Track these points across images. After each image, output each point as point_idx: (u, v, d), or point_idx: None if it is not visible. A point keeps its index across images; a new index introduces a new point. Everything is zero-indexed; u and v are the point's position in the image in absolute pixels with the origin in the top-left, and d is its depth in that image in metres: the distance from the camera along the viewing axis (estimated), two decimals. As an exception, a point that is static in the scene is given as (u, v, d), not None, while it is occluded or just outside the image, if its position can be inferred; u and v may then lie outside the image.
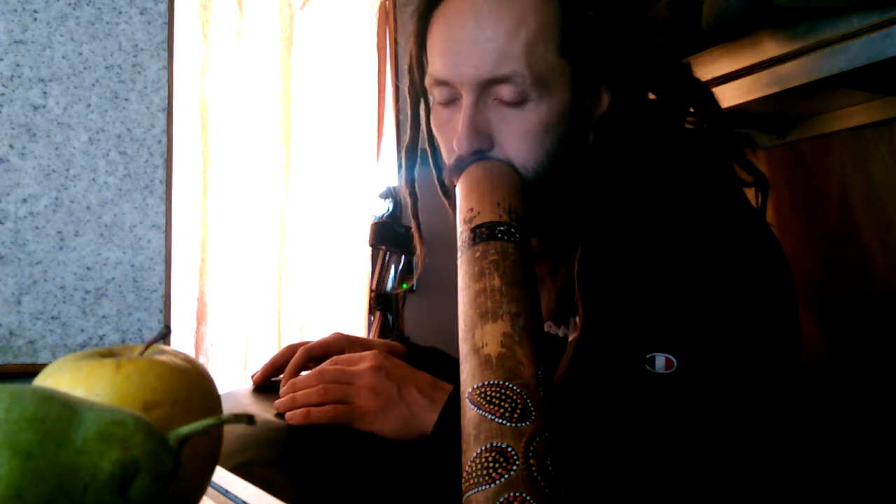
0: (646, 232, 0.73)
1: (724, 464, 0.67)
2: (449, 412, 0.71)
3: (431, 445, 0.71)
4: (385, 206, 2.09)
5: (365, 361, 0.77)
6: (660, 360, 0.67)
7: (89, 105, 1.75)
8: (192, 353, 1.86)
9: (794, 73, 1.05)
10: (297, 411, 0.77)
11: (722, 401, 0.67)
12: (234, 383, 1.90)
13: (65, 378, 0.41)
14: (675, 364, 0.67)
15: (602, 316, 0.75)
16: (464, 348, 0.61)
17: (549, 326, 0.86)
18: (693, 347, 0.67)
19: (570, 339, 0.81)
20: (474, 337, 0.60)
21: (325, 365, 0.80)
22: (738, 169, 0.82)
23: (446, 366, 0.87)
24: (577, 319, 0.79)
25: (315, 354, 0.88)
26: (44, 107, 1.71)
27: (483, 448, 0.52)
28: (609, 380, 0.71)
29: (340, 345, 0.89)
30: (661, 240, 0.72)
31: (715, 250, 0.71)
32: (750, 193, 0.81)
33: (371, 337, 2.09)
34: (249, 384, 0.93)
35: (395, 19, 2.25)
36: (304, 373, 0.84)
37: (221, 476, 0.66)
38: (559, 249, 0.86)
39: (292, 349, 0.89)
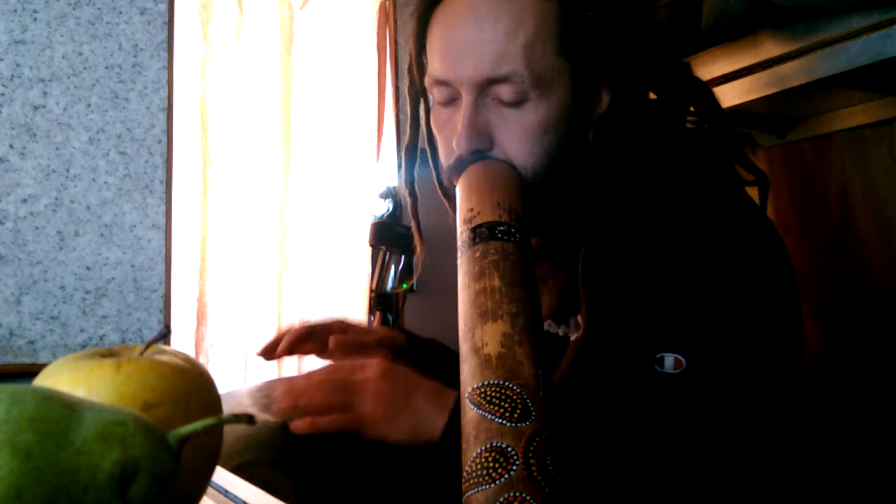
0: (650, 231, 0.73)
1: (732, 463, 0.67)
2: (457, 418, 0.70)
3: (440, 452, 0.70)
4: (385, 206, 2.09)
5: (370, 369, 0.76)
6: (668, 360, 0.67)
7: (89, 105, 1.75)
8: (192, 353, 1.86)
9: (794, 73, 1.05)
10: (303, 421, 0.74)
11: (731, 400, 0.67)
12: (234, 383, 1.91)
13: (65, 378, 0.41)
14: (684, 364, 0.67)
15: (608, 316, 0.75)
16: (464, 348, 0.61)
17: (548, 325, 0.86)
18: (702, 347, 0.67)
19: (573, 338, 0.81)
20: (474, 337, 0.60)
21: (326, 372, 0.78)
22: (739, 168, 0.83)
23: (445, 358, 0.86)
24: (580, 318, 0.79)
25: (316, 330, 0.89)
26: (44, 107, 1.71)
27: (483, 448, 0.52)
28: (617, 379, 0.71)
29: (341, 327, 0.90)
30: (666, 239, 0.72)
31: (721, 249, 0.71)
32: (751, 192, 0.81)
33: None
34: (249, 384, 0.93)
35: (395, 19, 2.25)
36: (305, 362, 0.83)
37: (221, 476, 0.66)
38: (561, 248, 0.86)
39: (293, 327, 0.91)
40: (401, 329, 0.96)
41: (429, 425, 0.71)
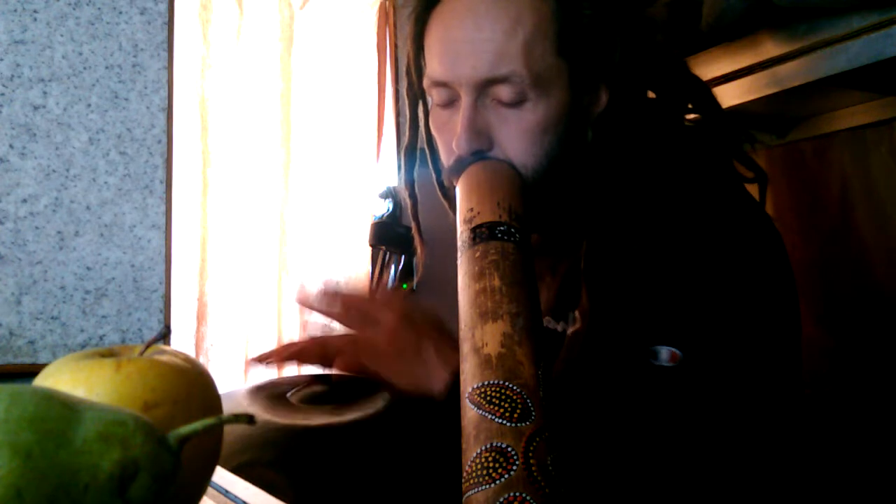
0: (650, 227, 0.74)
1: (728, 458, 0.67)
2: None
3: (444, 410, 0.70)
4: (385, 206, 2.09)
5: (389, 313, 0.75)
6: (664, 353, 0.67)
7: (89, 105, 1.75)
8: (192, 353, 1.86)
9: (794, 73, 1.05)
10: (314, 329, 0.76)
11: (726, 394, 0.67)
12: (234, 383, 1.91)
13: (65, 378, 0.41)
14: (680, 357, 0.67)
15: (606, 309, 0.75)
16: (464, 348, 0.61)
17: (547, 321, 0.86)
18: (698, 340, 0.67)
19: (569, 332, 0.81)
20: (474, 337, 0.60)
21: (350, 299, 0.78)
22: (738, 165, 0.83)
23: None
24: (577, 314, 0.80)
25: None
26: (44, 107, 1.71)
27: (483, 448, 0.52)
28: (613, 372, 0.71)
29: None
30: (665, 234, 0.72)
31: (719, 243, 0.71)
32: (751, 189, 0.82)
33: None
34: (249, 384, 0.93)
35: (394, 20, 2.25)
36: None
37: (221, 476, 0.66)
38: (559, 245, 0.86)
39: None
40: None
41: (433, 380, 0.71)
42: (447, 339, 0.75)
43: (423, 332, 0.74)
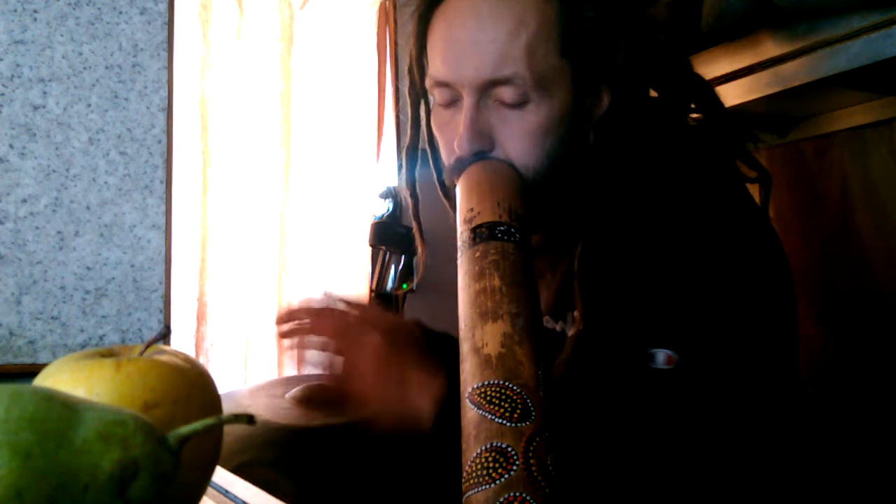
0: (646, 229, 0.73)
1: (725, 460, 0.67)
2: (445, 407, 0.70)
3: (431, 441, 0.70)
4: (385, 206, 2.09)
5: (367, 352, 0.74)
6: (660, 356, 0.67)
7: (89, 105, 1.75)
8: (192, 353, 1.86)
9: (794, 73, 1.05)
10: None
11: (723, 397, 0.67)
12: (234, 383, 1.91)
13: (65, 378, 0.41)
14: (676, 360, 0.67)
15: (603, 311, 0.75)
16: (464, 348, 0.61)
17: (546, 321, 0.86)
18: (694, 343, 0.67)
19: (570, 334, 0.81)
20: (474, 337, 0.60)
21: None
22: (742, 165, 0.82)
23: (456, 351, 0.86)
24: (577, 314, 0.79)
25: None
26: (44, 107, 1.71)
27: (483, 448, 0.52)
28: (609, 375, 0.71)
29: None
30: (661, 236, 0.72)
31: (716, 246, 0.71)
32: (753, 190, 0.81)
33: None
34: (249, 384, 0.93)
35: (395, 20, 2.25)
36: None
37: (221, 476, 0.66)
38: (559, 245, 0.86)
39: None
40: (415, 321, 0.94)
41: (417, 416, 0.71)
42: (422, 372, 0.73)
43: (399, 373, 0.72)
